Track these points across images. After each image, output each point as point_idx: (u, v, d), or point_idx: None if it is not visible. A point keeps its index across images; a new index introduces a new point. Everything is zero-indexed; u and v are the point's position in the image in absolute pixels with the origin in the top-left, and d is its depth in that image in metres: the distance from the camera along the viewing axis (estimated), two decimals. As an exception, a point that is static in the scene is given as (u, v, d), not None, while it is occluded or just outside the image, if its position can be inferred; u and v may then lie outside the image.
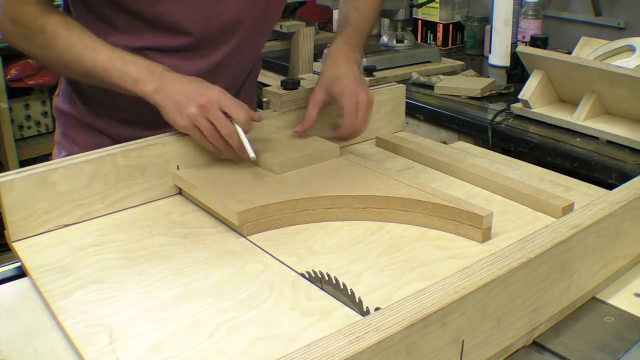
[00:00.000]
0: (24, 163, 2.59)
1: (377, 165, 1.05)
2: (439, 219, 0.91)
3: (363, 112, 1.07)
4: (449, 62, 2.06)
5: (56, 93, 1.22)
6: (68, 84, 1.17)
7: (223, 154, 0.99)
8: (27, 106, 2.76)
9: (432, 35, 2.34)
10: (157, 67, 0.99)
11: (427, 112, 1.71)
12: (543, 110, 1.56)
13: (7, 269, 0.86)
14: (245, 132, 0.97)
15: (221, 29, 1.08)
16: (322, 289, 0.77)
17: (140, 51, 1.03)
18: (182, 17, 1.04)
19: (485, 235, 0.88)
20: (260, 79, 2.33)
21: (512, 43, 2.04)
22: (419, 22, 2.37)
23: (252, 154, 0.96)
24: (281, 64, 2.17)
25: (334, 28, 2.59)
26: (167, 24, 1.04)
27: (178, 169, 1.01)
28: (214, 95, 0.95)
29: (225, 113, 0.95)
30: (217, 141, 0.96)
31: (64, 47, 0.98)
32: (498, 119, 1.57)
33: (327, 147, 1.07)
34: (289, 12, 2.49)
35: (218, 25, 1.07)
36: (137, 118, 1.10)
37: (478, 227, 0.87)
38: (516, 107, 1.60)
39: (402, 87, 1.29)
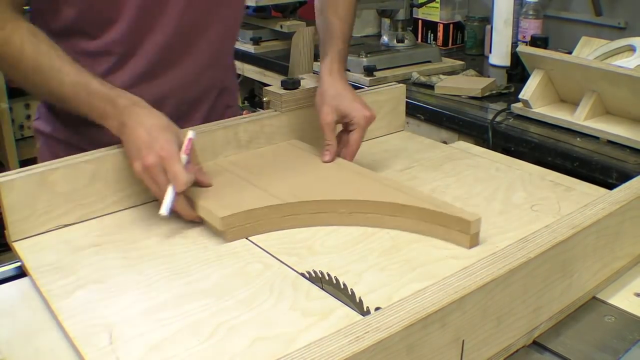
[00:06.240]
0: (24, 163, 2.59)
1: (367, 169, 1.03)
2: (426, 224, 0.88)
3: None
4: (449, 62, 2.06)
5: (35, 117, 1.17)
6: (44, 106, 1.13)
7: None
8: (27, 106, 2.76)
9: (432, 35, 2.35)
10: (121, 99, 0.92)
11: (427, 112, 1.71)
12: (543, 110, 1.56)
13: (7, 268, 0.86)
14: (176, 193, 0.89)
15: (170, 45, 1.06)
16: (322, 288, 0.77)
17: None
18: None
19: (473, 241, 0.86)
20: (261, 78, 2.36)
21: (512, 43, 2.04)
22: (420, 22, 2.37)
23: (164, 212, 0.88)
24: (281, 64, 2.18)
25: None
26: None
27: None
28: (157, 160, 0.87)
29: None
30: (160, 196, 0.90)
31: (32, 66, 0.92)
32: (498, 118, 1.57)
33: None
34: (289, 12, 2.49)
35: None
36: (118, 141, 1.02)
37: (466, 232, 0.85)
38: (516, 107, 1.60)
39: (403, 86, 1.29)
